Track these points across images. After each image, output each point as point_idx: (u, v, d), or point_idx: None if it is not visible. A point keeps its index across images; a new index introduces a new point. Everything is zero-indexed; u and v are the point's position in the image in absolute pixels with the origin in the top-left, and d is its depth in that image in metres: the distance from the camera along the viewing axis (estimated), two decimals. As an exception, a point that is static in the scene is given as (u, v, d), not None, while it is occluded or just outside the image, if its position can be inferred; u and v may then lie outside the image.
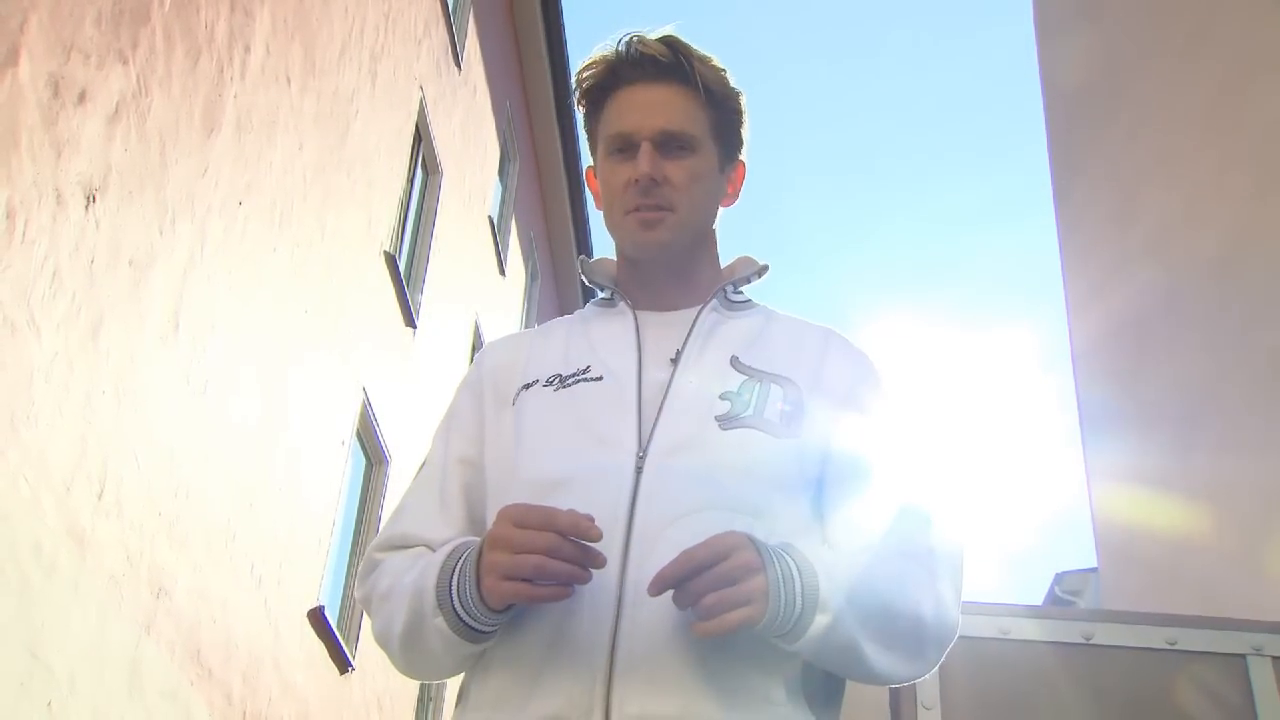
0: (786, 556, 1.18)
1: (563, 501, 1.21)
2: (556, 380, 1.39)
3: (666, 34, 1.42)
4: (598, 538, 1.15)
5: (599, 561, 1.16)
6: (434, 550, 1.33)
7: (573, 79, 1.50)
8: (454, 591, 1.23)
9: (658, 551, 1.20)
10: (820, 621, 1.16)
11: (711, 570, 1.13)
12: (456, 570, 1.24)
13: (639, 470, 1.26)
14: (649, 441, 1.28)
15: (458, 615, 1.22)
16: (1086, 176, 11.62)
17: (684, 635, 1.17)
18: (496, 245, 13.55)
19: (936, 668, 1.32)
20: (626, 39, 1.42)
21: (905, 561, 1.27)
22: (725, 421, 1.30)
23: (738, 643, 1.18)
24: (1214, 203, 8.16)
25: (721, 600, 1.13)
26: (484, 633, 1.24)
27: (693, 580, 1.14)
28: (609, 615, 1.19)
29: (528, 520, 1.16)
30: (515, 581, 1.16)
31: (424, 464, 1.47)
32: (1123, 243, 10.20)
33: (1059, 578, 16.96)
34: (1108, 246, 10.72)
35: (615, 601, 1.19)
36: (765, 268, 1.49)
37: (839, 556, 1.25)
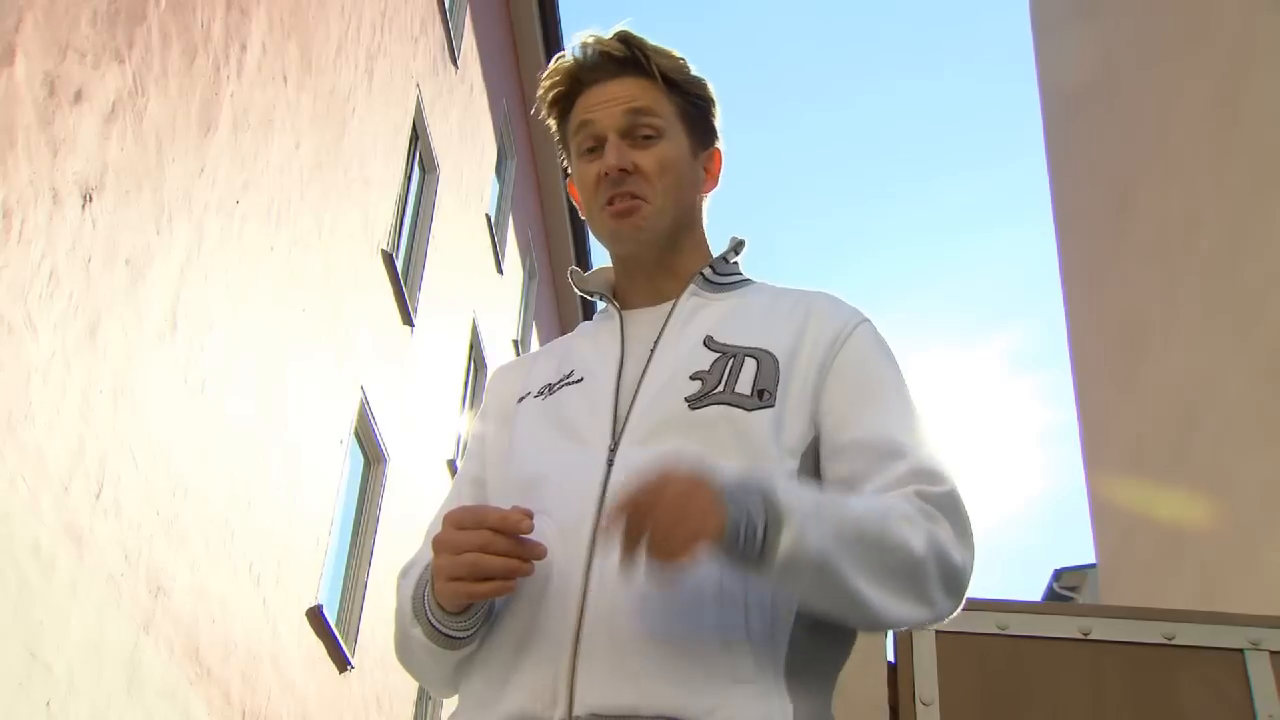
0: (732, 475, 1.13)
1: (540, 501, 1.24)
2: (546, 389, 1.42)
3: (620, 30, 1.44)
4: (527, 530, 1.17)
5: (537, 552, 1.18)
6: None
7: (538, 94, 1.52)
8: (425, 601, 1.26)
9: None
10: (787, 537, 1.09)
11: (653, 511, 1.06)
12: (429, 581, 1.26)
13: (610, 464, 1.28)
14: (621, 434, 1.30)
15: (431, 624, 1.26)
16: (1084, 175, 11.63)
17: (646, 620, 1.17)
18: (494, 243, 13.55)
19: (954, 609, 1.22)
20: (581, 42, 1.45)
21: (887, 498, 1.22)
22: (695, 401, 1.30)
23: (704, 621, 1.17)
24: (1212, 200, 8.16)
25: (671, 533, 1.05)
26: (457, 638, 1.26)
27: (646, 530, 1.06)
28: (574, 608, 1.20)
29: (464, 521, 1.19)
30: (458, 581, 1.18)
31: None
32: (1121, 241, 10.21)
33: (1057, 574, 17.04)
34: (1106, 244, 10.72)
35: (580, 594, 1.21)
36: (741, 242, 1.50)
37: (801, 485, 1.21)
